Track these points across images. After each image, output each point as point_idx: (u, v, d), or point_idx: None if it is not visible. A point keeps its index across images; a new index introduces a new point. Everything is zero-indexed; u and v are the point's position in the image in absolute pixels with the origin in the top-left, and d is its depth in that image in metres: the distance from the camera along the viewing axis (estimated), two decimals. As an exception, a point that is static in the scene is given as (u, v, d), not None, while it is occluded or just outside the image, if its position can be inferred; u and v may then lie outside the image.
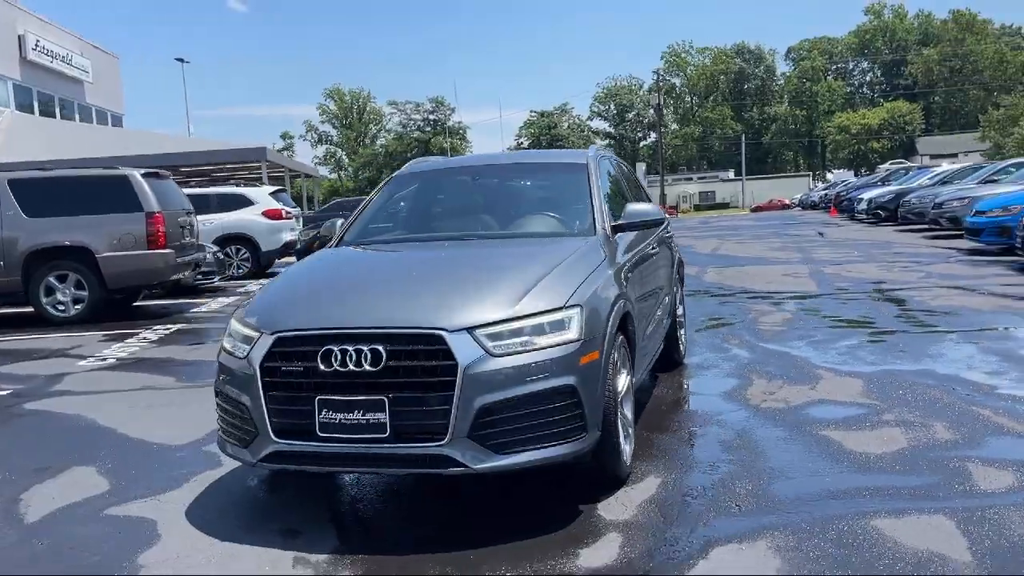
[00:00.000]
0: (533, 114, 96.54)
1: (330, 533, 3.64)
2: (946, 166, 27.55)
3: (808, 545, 3.21)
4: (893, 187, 25.55)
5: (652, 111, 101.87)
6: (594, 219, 4.58)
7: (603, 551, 3.30)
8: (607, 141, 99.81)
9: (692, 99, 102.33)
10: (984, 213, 13.44)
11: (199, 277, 13.45)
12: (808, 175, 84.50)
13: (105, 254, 10.69)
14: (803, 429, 4.66)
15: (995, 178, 18.55)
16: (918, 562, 3.01)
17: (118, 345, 8.98)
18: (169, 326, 10.28)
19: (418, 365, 3.39)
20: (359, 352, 3.42)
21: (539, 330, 3.51)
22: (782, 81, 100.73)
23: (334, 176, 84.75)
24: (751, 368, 6.25)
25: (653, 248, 5.43)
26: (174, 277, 11.51)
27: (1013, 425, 4.51)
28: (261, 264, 16.64)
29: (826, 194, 42.11)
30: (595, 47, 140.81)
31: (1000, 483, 3.71)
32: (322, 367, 3.46)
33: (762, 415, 4.99)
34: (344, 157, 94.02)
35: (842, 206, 32.11)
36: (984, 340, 6.82)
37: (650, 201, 5.86)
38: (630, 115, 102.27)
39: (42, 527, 3.92)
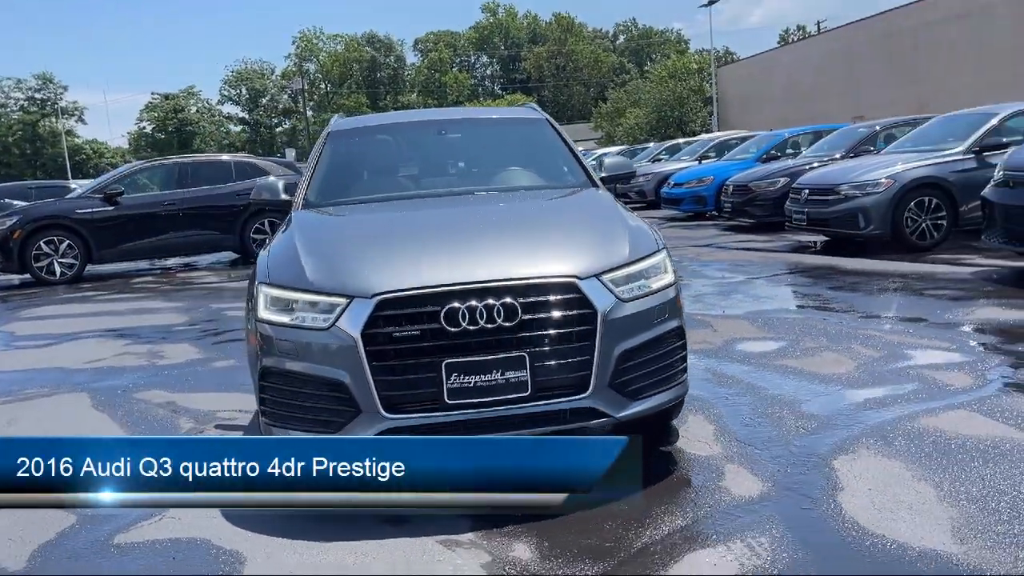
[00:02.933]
0: (156, 96, 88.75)
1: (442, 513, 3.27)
2: (608, 149, 30.92)
3: (898, 445, 3.63)
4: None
5: (287, 97, 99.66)
6: (586, 172, 4.59)
7: (741, 480, 3.43)
8: (241, 127, 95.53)
9: (327, 86, 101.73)
10: (682, 185, 15.47)
11: None
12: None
13: None
14: (758, 362, 5.15)
15: (660, 157, 21.39)
16: (995, 443, 3.58)
17: None
18: None
19: (556, 316, 3.21)
20: (490, 308, 3.13)
21: (647, 274, 3.49)
22: (412, 72, 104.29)
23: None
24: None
25: None
26: None
27: (912, 340, 5.42)
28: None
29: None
30: (220, 28, 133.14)
31: (965, 382, 4.47)
32: (448, 328, 3.11)
33: (708, 355, 5.39)
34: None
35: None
36: (787, 282, 7.98)
37: None
38: (264, 100, 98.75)
39: (47, 566, 3.02)
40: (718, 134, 25.38)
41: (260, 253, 3.90)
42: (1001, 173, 7.35)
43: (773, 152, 15.09)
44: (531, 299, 3.19)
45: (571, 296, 3.23)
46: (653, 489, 3.43)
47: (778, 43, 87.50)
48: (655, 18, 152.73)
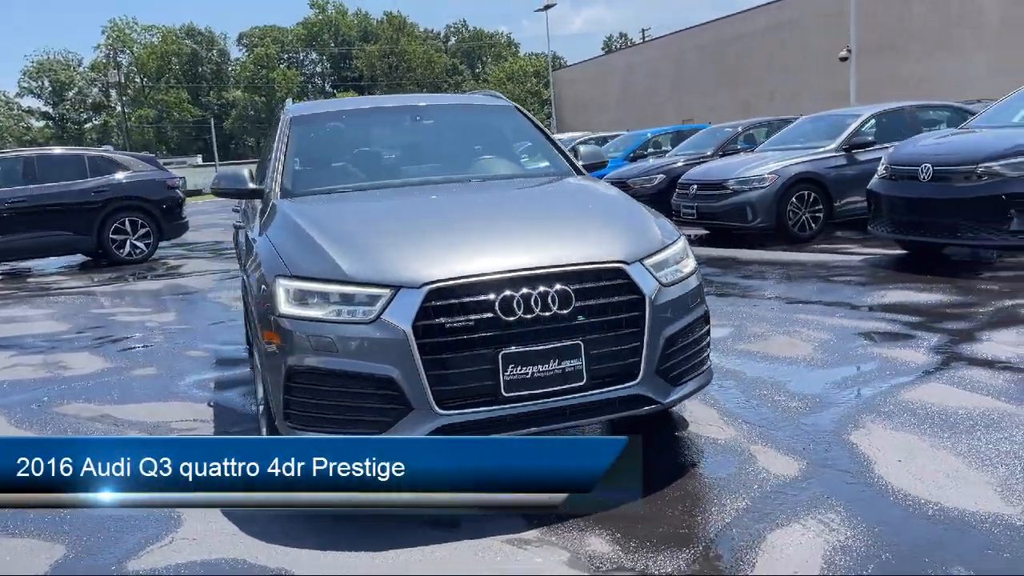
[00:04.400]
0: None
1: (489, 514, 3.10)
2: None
3: (900, 419, 3.82)
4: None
5: (97, 91, 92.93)
6: (567, 159, 4.52)
7: (773, 460, 3.48)
8: (45, 123, 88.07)
9: (142, 79, 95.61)
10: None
11: None
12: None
13: None
14: (718, 348, 5.19)
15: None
16: (985, 413, 3.82)
17: None
18: None
19: (607, 302, 3.14)
20: (544, 295, 3.02)
21: (676, 259, 3.48)
22: (237, 67, 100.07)
23: None
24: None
25: None
26: None
27: (848, 322, 5.74)
28: None
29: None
30: (18, 13, 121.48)
31: (921, 359, 4.75)
32: (503, 317, 2.97)
33: (666, 343, 5.46)
34: None
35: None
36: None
37: None
38: (70, 94, 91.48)
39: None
40: (574, 134, 25.94)
41: (258, 245, 3.57)
42: (885, 167, 7.94)
43: (639, 151, 15.62)
44: (583, 285, 3.10)
45: (620, 281, 3.17)
46: (694, 473, 3.44)
47: (603, 50, 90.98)
48: (484, 21, 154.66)
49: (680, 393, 3.36)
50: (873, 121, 10.39)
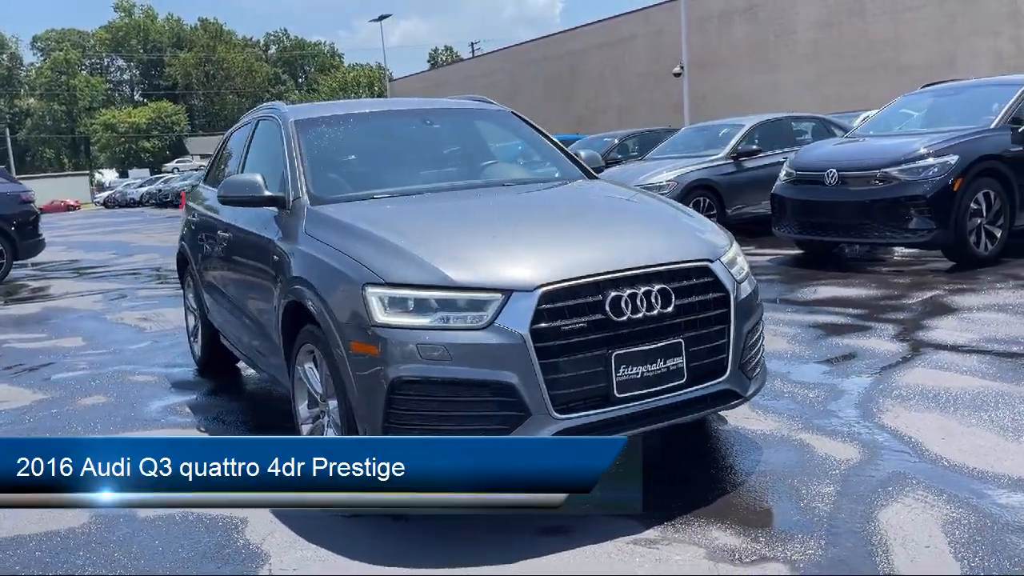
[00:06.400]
0: None
1: (599, 519, 3.05)
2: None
3: (916, 402, 4.11)
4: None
5: None
6: (578, 163, 4.52)
7: (831, 446, 3.64)
8: None
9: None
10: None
11: None
12: (87, 174, 79.55)
13: None
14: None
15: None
16: (984, 391, 4.17)
17: None
18: None
19: (701, 300, 3.19)
20: (648, 294, 3.03)
21: (738, 259, 3.58)
22: (32, 73, 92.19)
23: None
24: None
25: None
26: None
27: (802, 318, 6.09)
28: None
29: (149, 191, 41.78)
30: None
31: (892, 347, 5.13)
32: (614, 317, 2.95)
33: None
34: None
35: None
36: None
37: None
38: None
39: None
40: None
41: (313, 253, 3.34)
42: (788, 173, 8.50)
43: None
44: (681, 283, 3.14)
45: (708, 279, 3.24)
46: (764, 463, 3.54)
47: (428, 63, 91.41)
48: (301, 30, 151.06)
49: (755, 387, 3.45)
50: (754, 131, 11.08)
